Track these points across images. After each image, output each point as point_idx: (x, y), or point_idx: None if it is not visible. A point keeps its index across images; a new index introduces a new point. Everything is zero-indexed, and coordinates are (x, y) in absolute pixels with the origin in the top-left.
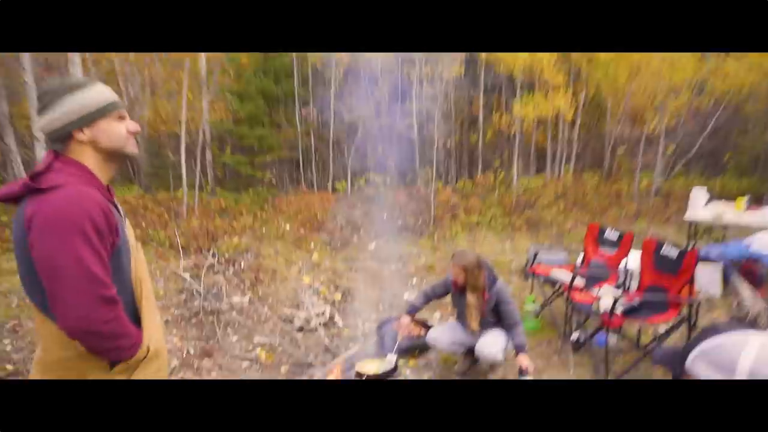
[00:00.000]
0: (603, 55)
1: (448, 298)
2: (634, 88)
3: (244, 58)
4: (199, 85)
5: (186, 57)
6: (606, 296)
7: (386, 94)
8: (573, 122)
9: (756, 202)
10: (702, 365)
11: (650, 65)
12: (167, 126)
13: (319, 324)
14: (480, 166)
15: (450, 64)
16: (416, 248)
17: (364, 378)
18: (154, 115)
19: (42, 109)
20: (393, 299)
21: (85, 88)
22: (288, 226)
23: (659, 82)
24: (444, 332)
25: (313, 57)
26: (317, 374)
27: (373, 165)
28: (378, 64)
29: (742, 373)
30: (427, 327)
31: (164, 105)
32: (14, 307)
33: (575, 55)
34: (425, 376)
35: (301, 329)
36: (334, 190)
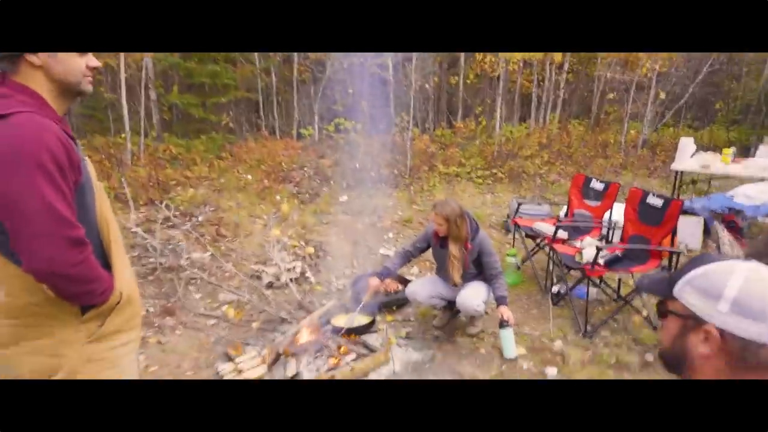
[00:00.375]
0: None
1: (428, 255)
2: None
3: None
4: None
5: None
6: (589, 247)
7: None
8: (561, 65)
9: (742, 153)
10: (689, 291)
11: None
12: (101, 58)
13: (290, 280)
14: (460, 112)
15: None
16: (392, 201)
17: (342, 332)
18: None
19: None
20: (367, 254)
21: None
22: (250, 177)
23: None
24: (423, 286)
25: None
26: (291, 330)
27: (343, 109)
28: None
29: (727, 300)
30: (405, 282)
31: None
32: None
33: None
34: (403, 332)
35: (270, 285)
36: (299, 136)
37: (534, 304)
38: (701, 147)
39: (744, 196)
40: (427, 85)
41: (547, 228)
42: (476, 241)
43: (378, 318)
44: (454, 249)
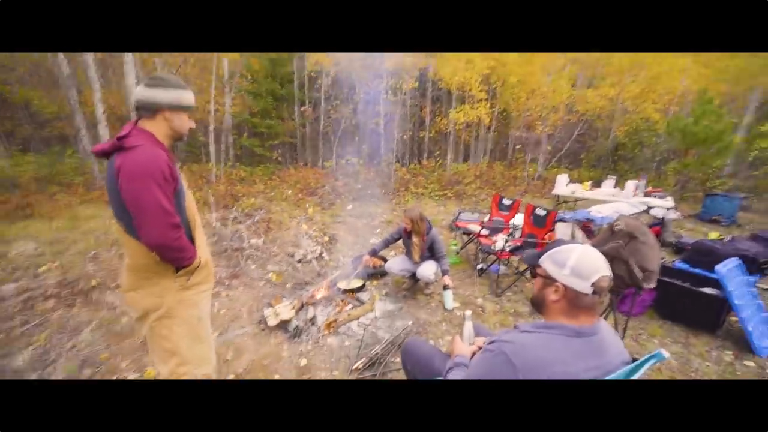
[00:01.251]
0: (511, 80)
1: (400, 243)
2: (530, 105)
3: (256, 65)
4: (222, 84)
5: (212, 58)
6: (500, 241)
7: (362, 100)
8: (489, 127)
9: (595, 185)
10: (547, 262)
11: (540, 90)
12: (198, 115)
13: (313, 258)
14: (426, 155)
15: (408, 80)
16: (380, 209)
17: (344, 290)
18: None
19: (153, 86)
20: (363, 242)
21: (185, 90)
22: (290, 192)
23: (545, 102)
24: (396, 263)
25: (310, 66)
26: (311, 289)
27: (352, 150)
28: (356, 77)
29: (568, 267)
30: (385, 260)
31: (196, 99)
32: (93, 242)
33: (493, 78)
34: (384, 292)
35: (300, 261)
36: (323, 167)
37: (466, 275)
38: (572, 180)
39: (596, 211)
40: (405, 136)
41: (476, 228)
42: (430, 235)
43: (367, 282)
44: (416, 239)
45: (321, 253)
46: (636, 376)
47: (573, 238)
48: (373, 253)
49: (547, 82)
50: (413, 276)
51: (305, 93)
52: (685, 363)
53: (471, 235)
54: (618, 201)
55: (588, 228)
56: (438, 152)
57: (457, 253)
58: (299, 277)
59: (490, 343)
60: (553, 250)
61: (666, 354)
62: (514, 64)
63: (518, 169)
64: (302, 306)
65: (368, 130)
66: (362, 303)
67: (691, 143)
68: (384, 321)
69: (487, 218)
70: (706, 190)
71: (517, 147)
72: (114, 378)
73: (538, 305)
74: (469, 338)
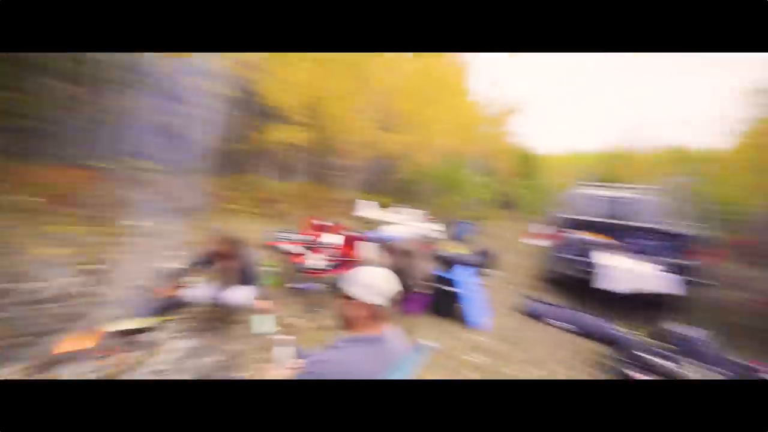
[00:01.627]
0: (329, 109)
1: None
2: (345, 137)
3: None
4: None
5: None
6: (314, 260)
7: (170, 95)
8: (307, 150)
9: (392, 210)
10: (350, 283)
11: (353, 126)
12: None
13: (68, 294)
14: (240, 168)
15: (227, 87)
16: (181, 227)
17: (121, 334)
18: None
19: None
20: (155, 268)
21: None
22: (36, 199)
23: (357, 137)
24: (201, 290)
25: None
26: (63, 340)
27: (147, 153)
28: (169, 67)
29: (367, 287)
30: (184, 288)
31: None
32: None
33: (315, 107)
34: (184, 326)
35: (41, 301)
36: (93, 168)
37: (282, 296)
38: (370, 204)
39: (391, 232)
40: (219, 146)
41: (290, 247)
42: (242, 256)
43: (160, 319)
44: (225, 262)
45: (86, 286)
46: (412, 366)
47: (374, 257)
48: (171, 281)
49: (358, 119)
50: (221, 303)
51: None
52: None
53: (286, 255)
54: (408, 224)
55: (386, 246)
56: (255, 168)
57: (273, 274)
58: (42, 323)
59: (306, 363)
60: (354, 272)
61: (432, 344)
62: (334, 99)
63: (333, 192)
64: (46, 365)
65: (174, 134)
66: (148, 347)
67: (449, 186)
68: (190, 361)
69: (302, 238)
70: (457, 217)
71: (332, 172)
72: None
73: (345, 322)
74: (284, 361)
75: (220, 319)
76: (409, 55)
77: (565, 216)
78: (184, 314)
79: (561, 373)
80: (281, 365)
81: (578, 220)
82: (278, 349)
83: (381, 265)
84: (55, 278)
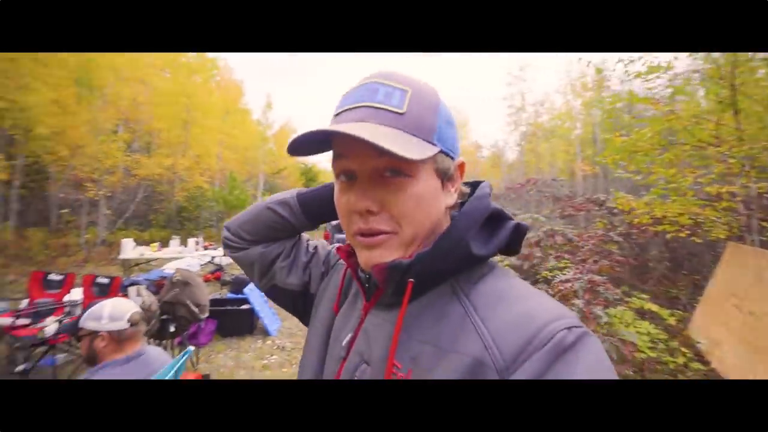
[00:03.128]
0: (41, 130)
1: None
2: (75, 162)
3: None
4: None
5: None
6: (52, 325)
7: None
8: (9, 182)
9: (164, 244)
10: (87, 321)
11: (89, 149)
12: None
13: None
14: None
15: None
16: None
17: None
18: None
19: None
20: None
21: None
22: None
23: (97, 163)
24: None
25: None
26: None
27: None
28: None
29: (105, 318)
30: None
31: None
32: None
33: (6, 124)
34: None
35: None
36: None
37: None
38: (143, 242)
39: (170, 268)
40: None
41: (4, 320)
42: None
43: None
44: None
45: None
46: (175, 369)
47: (140, 297)
48: None
49: (96, 141)
50: None
51: None
52: (238, 359)
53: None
54: (186, 256)
55: (162, 285)
56: None
57: None
58: None
59: None
60: (87, 311)
61: (191, 348)
62: (42, 112)
63: (70, 236)
64: None
65: None
66: None
67: (230, 207)
68: None
69: (25, 303)
70: None
71: (64, 210)
72: None
73: (91, 359)
74: None
75: None
76: (165, 72)
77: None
78: None
79: None
80: None
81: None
82: None
83: (151, 302)
84: None
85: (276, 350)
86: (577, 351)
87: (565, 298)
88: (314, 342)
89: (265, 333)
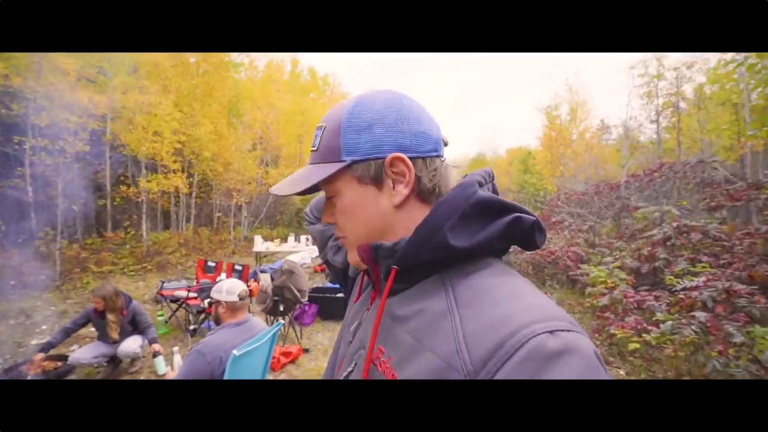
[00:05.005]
0: (206, 154)
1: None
2: (228, 177)
3: None
4: None
5: None
6: (208, 299)
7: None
8: (190, 194)
9: (284, 240)
10: (214, 293)
11: (234, 165)
12: None
13: None
14: (110, 226)
15: (74, 142)
16: (41, 301)
17: None
18: None
19: None
20: (16, 348)
21: None
22: None
23: (239, 176)
24: (87, 351)
25: None
26: None
27: None
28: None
29: (224, 292)
30: (64, 358)
31: None
32: None
33: (186, 152)
34: None
35: None
36: None
37: (178, 341)
38: (269, 239)
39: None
40: (74, 206)
41: (183, 293)
42: (131, 308)
43: None
44: (111, 316)
45: None
46: (269, 336)
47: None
48: (49, 348)
49: (239, 158)
50: (112, 360)
51: None
52: (332, 339)
53: (179, 302)
54: (302, 251)
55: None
56: (128, 223)
57: (166, 322)
58: None
59: (192, 350)
60: (215, 286)
61: (282, 321)
62: (206, 140)
63: (224, 233)
64: None
65: (8, 200)
66: None
67: None
68: None
69: (194, 284)
70: None
71: (219, 214)
72: None
73: (217, 320)
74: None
75: (110, 376)
76: (284, 94)
77: None
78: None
79: None
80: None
81: None
82: (176, 357)
83: (267, 285)
84: None
85: None
86: (560, 359)
87: (682, 311)
88: (342, 329)
89: None
